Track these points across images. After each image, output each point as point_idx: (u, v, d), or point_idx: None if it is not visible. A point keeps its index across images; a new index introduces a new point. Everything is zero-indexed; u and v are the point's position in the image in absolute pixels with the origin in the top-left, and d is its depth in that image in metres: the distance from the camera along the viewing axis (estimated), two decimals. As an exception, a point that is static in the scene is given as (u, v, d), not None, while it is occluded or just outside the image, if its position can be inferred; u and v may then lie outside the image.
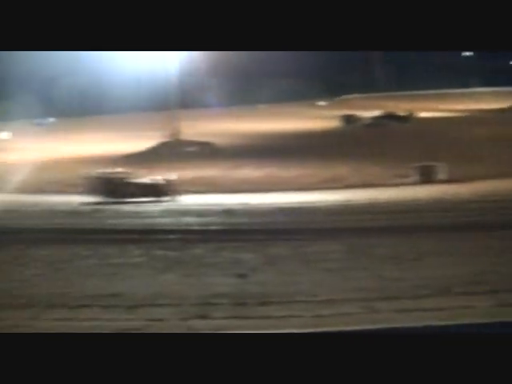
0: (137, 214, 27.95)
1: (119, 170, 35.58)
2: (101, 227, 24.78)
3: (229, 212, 27.45)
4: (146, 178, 34.21)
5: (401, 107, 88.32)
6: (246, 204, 29.92)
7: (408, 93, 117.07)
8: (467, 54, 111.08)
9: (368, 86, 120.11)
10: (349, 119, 76.52)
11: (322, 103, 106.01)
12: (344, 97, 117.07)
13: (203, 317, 12.33)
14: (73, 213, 28.37)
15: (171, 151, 51.29)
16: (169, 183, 33.29)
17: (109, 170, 35.34)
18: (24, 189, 33.90)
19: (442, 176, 39.23)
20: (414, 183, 37.90)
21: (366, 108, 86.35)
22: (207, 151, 52.47)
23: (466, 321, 11.19)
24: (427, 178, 38.62)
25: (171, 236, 22.19)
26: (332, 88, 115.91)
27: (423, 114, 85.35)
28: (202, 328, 11.46)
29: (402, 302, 13.47)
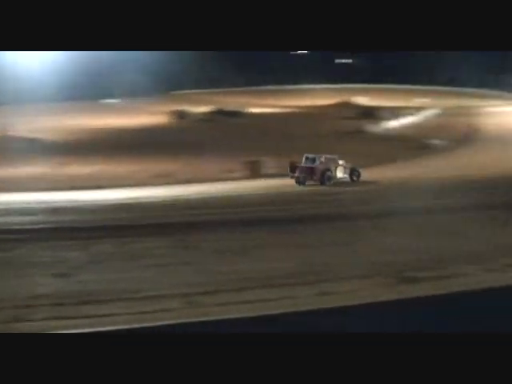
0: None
1: None
2: None
3: (55, 210, 26.81)
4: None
5: (234, 103, 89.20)
6: (74, 201, 29.37)
7: (243, 89, 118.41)
8: (299, 52, 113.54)
9: (204, 81, 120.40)
10: (181, 114, 76.51)
11: (153, 99, 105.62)
12: (179, 92, 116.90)
13: (20, 320, 11.89)
14: None
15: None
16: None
17: None
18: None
19: (270, 170, 40.05)
20: (243, 178, 38.46)
21: (199, 103, 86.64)
22: (37, 148, 50.99)
23: (290, 310, 11.55)
24: (255, 172, 39.30)
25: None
26: (168, 83, 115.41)
27: (255, 110, 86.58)
28: (20, 329, 11.06)
29: (226, 296, 13.53)
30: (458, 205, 25.17)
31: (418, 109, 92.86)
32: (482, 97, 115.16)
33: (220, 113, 78.45)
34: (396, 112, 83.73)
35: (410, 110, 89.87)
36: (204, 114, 77.59)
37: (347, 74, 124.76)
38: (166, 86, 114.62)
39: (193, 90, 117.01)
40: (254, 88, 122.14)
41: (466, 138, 65.03)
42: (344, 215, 23.86)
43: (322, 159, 38.23)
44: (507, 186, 32.19)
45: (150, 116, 78.55)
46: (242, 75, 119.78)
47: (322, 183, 37.08)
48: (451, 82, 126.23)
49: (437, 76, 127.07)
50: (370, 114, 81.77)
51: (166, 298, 13.24)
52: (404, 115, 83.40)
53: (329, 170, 37.72)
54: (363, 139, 61.08)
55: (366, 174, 38.55)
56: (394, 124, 76.44)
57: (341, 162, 38.61)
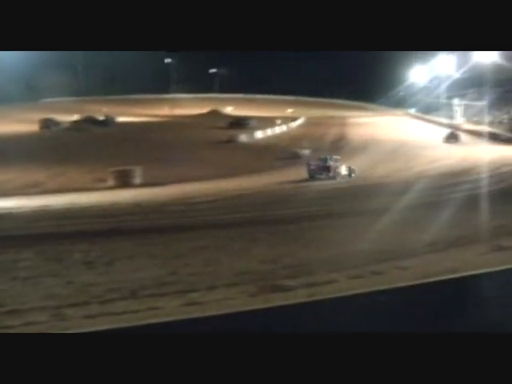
0: None
1: None
2: None
3: None
4: None
5: (102, 111, 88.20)
6: None
7: (112, 97, 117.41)
8: (169, 60, 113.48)
9: (73, 89, 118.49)
10: (48, 123, 74.93)
11: (23, 106, 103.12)
12: (46, 100, 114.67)
13: None
14: None
15: None
16: None
17: None
18: None
19: (138, 180, 39.94)
20: (112, 187, 38.16)
21: (67, 112, 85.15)
22: None
23: (154, 320, 11.52)
24: (124, 181, 39.10)
25: None
26: (36, 90, 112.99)
27: (125, 119, 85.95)
28: None
29: (91, 308, 13.41)
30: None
31: (287, 119, 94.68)
32: (350, 108, 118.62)
33: (89, 121, 77.39)
34: (265, 122, 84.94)
35: (279, 119, 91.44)
36: (73, 122, 76.38)
37: (217, 83, 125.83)
38: (36, 94, 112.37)
39: (63, 98, 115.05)
40: (124, 97, 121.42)
41: (333, 147, 66.73)
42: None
43: (333, 159, 46.84)
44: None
45: (18, 124, 76.55)
46: (113, 84, 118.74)
47: (333, 178, 44.08)
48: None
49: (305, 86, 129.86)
50: (240, 123, 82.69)
51: (32, 311, 13.02)
52: (273, 125, 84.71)
53: (337, 167, 45.91)
54: (233, 149, 61.71)
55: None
56: (263, 134, 77.50)
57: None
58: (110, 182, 39.20)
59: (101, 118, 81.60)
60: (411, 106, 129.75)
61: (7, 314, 12.99)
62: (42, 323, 12.36)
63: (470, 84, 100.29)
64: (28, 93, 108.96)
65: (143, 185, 39.04)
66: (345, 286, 13.88)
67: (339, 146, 68.49)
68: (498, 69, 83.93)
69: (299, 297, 13.11)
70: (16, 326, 12.11)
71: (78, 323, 12.25)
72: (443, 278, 11.87)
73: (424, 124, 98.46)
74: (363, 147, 65.50)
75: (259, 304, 12.79)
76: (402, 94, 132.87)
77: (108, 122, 79.56)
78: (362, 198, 32.22)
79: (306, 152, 57.71)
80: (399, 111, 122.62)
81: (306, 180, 43.40)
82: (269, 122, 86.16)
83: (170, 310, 12.97)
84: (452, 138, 73.72)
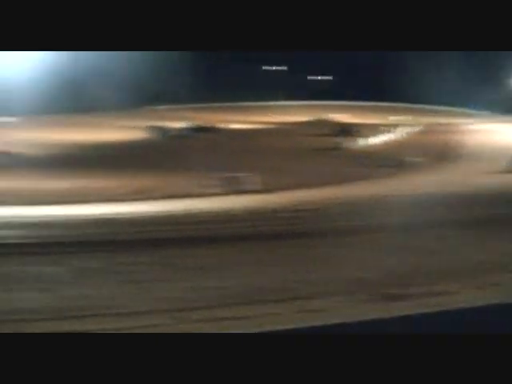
0: None
1: None
2: None
3: (32, 224, 26.57)
4: None
5: (210, 119, 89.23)
6: (51, 216, 29.10)
7: (218, 105, 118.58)
8: (275, 68, 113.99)
9: (179, 97, 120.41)
10: (155, 130, 76.28)
11: (129, 114, 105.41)
12: (153, 107, 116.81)
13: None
14: None
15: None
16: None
17: None
18: None
19: (248, 186, 40.09)
20: (221, 194, 38.44)
21: (174, 119, 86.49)
22: (8, 162, 50.40)
23: (269, 328, 11.39)
24: (234, 188, 39.32)
25: None
26: (143, 98, 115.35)
27: (230, 126, 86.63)
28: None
29: (209, 312, 13.43)
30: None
31: (394, 126, 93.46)
32: (456, 114, 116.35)
33: (195, 128, 78.37)
34: (372, 129, 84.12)
35: (387, 127, 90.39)
36: (179, 129, 77.46)
37: (323, 91, 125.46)
38: (141, 101, 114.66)
39: (167, 106, 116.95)
40: (228, 104, 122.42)
41: (442, 155, 65.45)
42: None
43: None
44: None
45: (125, 131, 78.22)
46: (216, 91, 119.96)
47: None
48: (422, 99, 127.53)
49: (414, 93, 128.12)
50: (346, 131, 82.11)
51: (150, 313, 13.13)
52: (380, 132, 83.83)
53: None
54: (339, 156, 61.35)
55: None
56: (370, 141, 76.82)
57: None
58: (220, 189, 39.48)
59: (207, 125, 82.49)
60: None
61: (127, 316, 13.14)
62: (160, 325, 12.45)
63: None
64: (134, 100, 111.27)
65: (253, 191, 39.13)
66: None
67: (449, 153, 67.03)
68: None
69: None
70: (135, 327, 12.24)
71: (197, 326, 12.29)
72: None
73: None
74: (473, 155, 63.93)
75: (378, 312, 12.54)
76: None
77: (214, 129, 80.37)
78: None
79: (415, 159, 56.81)
80: (509, 117, 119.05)
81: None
82: (375, 129, 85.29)
83: (287, 317, 12.88)
84: None
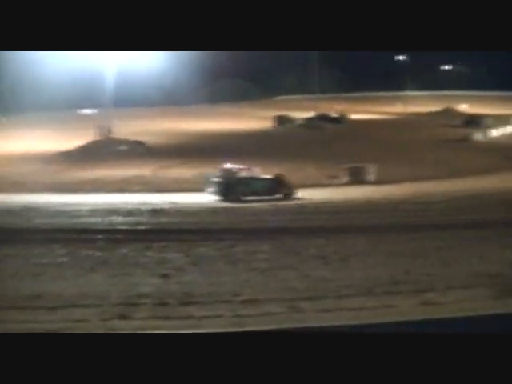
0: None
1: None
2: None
3: (157, 211, 27.26)
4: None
5: (335, 109, 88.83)
6: (176, 203, 29.76)
7: (343, 95, 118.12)
8: (401, 57, 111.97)
9: (304, 87, 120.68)
10: (282, 120, 76.53)
11: (258, 104, 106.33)
12: (279, 97, 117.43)
13: (124, 317, 12.10)
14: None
15: (102, 150, 50.59)
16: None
17: None
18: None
19: (372, 177, 39.76)
20: (345, 184, 38.32)
21: (300, 109, 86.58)
22: (140, 150, 51.83)
23: (386, 320, 11.32)
24: (358, 178, 39.11)
25: (99, 236, 21.69)
26: (269, 88, 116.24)
27: (357, 117, 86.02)
28: (122, 328, 11.23)
29: (326, 302, 13.44)
30: None
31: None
32: None
33: (322, 119, 78.15)
34: (500, 120, 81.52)
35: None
36: (307, 119, 77.43)
37: (449, 80, 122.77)
38: (269, 92, 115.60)
39: (294, 96, 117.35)
40: (357, 94, 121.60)
41: None
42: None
43: None
44: None
45: (254, 120, 78.93)
46: (346, 81, 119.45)
47: None
48: None
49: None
50: (474, 121, 79.93)
51: (267, 301, 13.26)
52: (509, 123, 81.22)
53: None
54: (469, 148, 59.83)
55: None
56: (499, 132, 74.62)
57: None
58: (344, 179, 39.37)
59: (334, 115, 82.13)
60: None
61: (244, 303, 13.31)
62: (276, 314, 12.56)
63: None
64: (263, 91, 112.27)
65: (376, 182, 38.83)
66: None
67: None
68: None
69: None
70: (250, 315, 12.39)
71: (312, 316, 12.32)
72: None
73: None
74: None
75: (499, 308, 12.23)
76: None
77: (341, 120, 79.95)
78: None
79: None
80: None
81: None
82: (504, 120, 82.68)
83: (406, 309, 12.76)
84: None
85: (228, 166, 35.15)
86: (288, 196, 32.83)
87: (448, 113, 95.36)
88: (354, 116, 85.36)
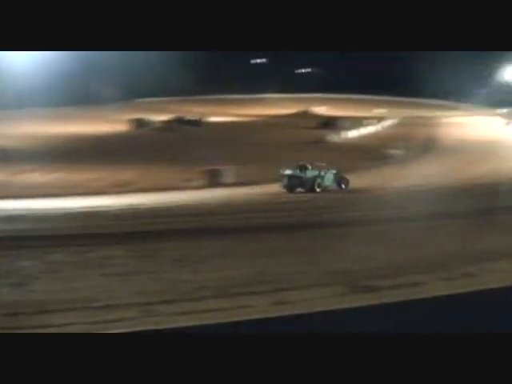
0: None
1: None
2: None
3: (9, 218, 26.46)
4: None
5: (195, 111, 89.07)
6: (30, 210, 29.00)
7: (202, 97, 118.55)
8: (259, 61, 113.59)
9: (163, 89, 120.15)
10: (139, 123, 76.02)
11: (116, 106, 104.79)
12: (137, 100, 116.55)
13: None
14: None
15: None
16: None
17: None
18: None
19: (230, 179, 40.11)
20: (203, 186, 38.47)
21: (160, 112, 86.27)
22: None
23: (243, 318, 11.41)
24: (215, 181, 39.36)
25: None
26: (127, 91, 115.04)
27: (215, 119, 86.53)
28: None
29: (182, 305, 13.40)
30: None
31: (378, 119, 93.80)
32: (441, 108, 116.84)
33: (180, 121, 78.17)
34: (355, 122, 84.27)
35: (369, 119, 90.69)
36: (164, 122, 77.27)
37: (306, 83, 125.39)
38: (129, 94, 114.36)
39: (154, 98, 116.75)
40: (214, 97, 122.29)
41: (425, 148, 65.74)
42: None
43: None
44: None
45: (110, 124, 77.93)
46: (201, 84, 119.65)
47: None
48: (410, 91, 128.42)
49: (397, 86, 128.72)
50: (330, 123, 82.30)
51: (123, 306, 13.08)
52: (363, 125, 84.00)
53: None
54: (324, 149, 61.43)
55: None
56: (353, 134, 76.96)
57: None
58: (201, 182, 39.52)
59: (191, 117, 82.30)
60: (504, 106, 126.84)
61: (100, 309, 13.08)
62: (132, 319, 12.42)
63: None
64: (120, 93, 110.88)
65: (233, 184, 39.19)
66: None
67: (431, 146, 67.39)
68: None
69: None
70: (106, 321, 12.21)
71: (169, 319, 12.27)
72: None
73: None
74: (455, 147, 64.31)
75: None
76: (493, 93, 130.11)
77: (198, 122, 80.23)
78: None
79: (397, 152, 56.95)
80: (491, 111, 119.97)
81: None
82: (358, 122, 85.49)
83: (261, 309, 12.90)
84: None
85: (302, 162, 40.58)
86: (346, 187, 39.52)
87: (305, 115, 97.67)
88: (214, 118, 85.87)
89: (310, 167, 40.27)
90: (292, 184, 38.47)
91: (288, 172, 39.28)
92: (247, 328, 5.86)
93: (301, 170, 39.70)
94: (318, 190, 38.67)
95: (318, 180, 39.56)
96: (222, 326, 7.98)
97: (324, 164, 40.92)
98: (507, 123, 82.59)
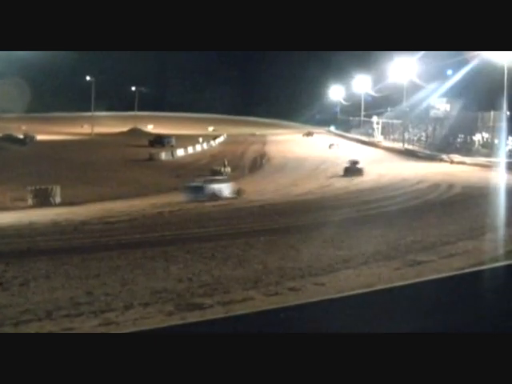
0: None
1: None
2: None
3: None
4: None
5: (23, 130, 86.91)
6: None
7: (31, 115, 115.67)
8: (89, 78, 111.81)
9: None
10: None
11: None
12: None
13: None
14: None
15: None
16: None
17: None
18: None
19: (58, 199, 39.51)
20: (30, 206, 37.66)
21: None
22: None
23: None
24: (43, 200, 38.61)
25: None
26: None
27: (45, 137, 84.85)
28: None
29: (4, 330, 13.23)
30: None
31: (209, 136, 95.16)
32: (269, 125, 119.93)
33: (7, 139, 75.94)
34: (187, 140, 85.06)
35: (201, 137, 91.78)
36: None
37: (137, 102, 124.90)
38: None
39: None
40: (44, 114, 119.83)
41: (252, 164, 67.23)
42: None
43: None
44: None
45: None
46: (33, 101, 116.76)
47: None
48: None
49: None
50: (160, 141, 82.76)
51: None
52: (195, 143, 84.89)
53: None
54: (151, 167, 61.60)
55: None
56: (184, 152, 77.49)
57: None
58: (29, 201, 38.70)
59: (19, 136, 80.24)
60: (331, 124, 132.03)
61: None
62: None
63: (388, 103, 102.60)
64: None
65: (62, 204, 38.63)
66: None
67: (259, 163, 69.04)
68: (415, 88, 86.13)
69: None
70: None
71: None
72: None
73: (343, 141, 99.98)
74: (283, 165, 66.16)
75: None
76: (321, 111, 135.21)
77: (26, 141, 78.28)
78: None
79: (227, 170, 57.77)
80: (320, 129, 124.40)
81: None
82: (190, 140, 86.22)
83: (86, 331, 12.89)
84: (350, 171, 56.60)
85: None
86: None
87: (135, 133, 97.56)
88: (41, 137, 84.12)
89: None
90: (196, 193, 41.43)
91: (193, 184, 42.91)
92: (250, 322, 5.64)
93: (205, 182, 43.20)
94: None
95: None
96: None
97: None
98: (330, 145, 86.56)
